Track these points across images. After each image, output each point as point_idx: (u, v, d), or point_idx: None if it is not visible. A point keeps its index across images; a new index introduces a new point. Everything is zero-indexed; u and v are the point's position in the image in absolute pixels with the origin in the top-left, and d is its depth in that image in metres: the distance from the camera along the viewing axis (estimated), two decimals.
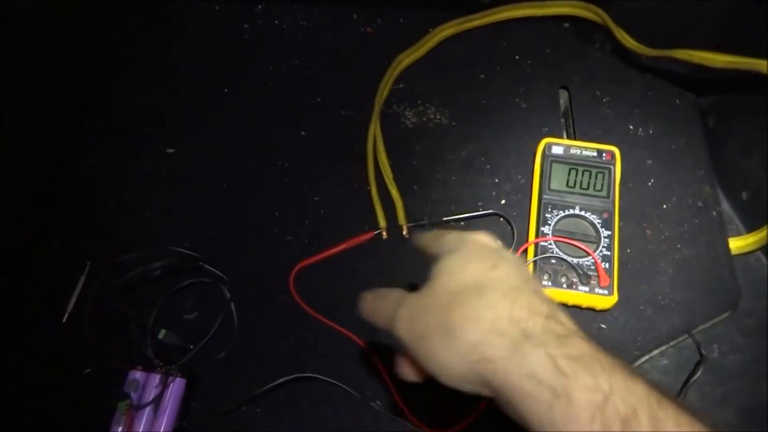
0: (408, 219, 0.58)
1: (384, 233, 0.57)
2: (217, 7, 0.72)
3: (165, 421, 0.48)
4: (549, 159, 0.58)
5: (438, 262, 0.36)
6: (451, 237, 0.38)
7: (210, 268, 0.56)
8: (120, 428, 0.48)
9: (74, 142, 0.63)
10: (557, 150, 0.58)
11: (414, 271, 0.56)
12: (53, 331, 0.54)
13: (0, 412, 0.52)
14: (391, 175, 0.59)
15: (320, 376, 0.51)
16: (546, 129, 0.62)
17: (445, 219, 0.58)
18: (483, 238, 0.38)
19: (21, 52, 0.57)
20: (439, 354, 0.32)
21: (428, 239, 0.40)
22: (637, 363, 0.52)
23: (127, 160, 0.63)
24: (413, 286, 0.36)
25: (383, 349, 0.52)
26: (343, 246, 0.57)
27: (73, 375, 0.53)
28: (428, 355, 0.33)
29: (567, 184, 0.56)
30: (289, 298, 0.55)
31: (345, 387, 0.51)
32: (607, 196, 0.56)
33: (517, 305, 0.31)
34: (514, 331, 0.30)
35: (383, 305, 0.37)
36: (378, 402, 0.51)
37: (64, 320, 0.54)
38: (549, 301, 0.33)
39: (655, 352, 0.53)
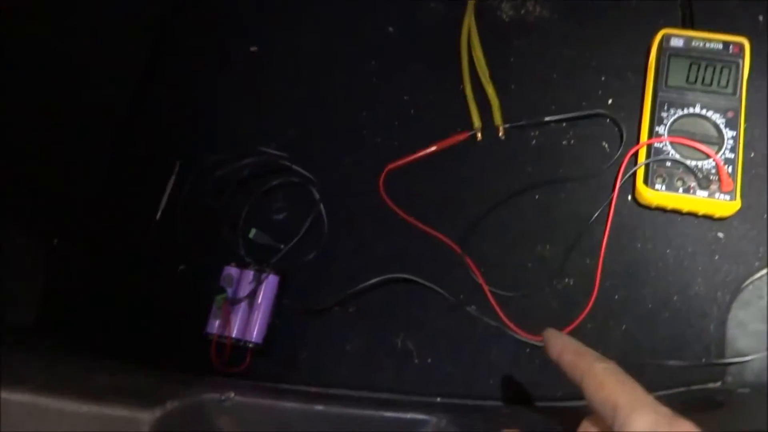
0: (504, 120, 0.54)
1: (479, 134, 0.54)
2: None
3: (260, 316, 0.49)
4: (667, 52, 0.52)
5: None
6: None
7: (298, 168, 0.54)
8: (217, 322, 0.48)
9: (164, 40, 0.62)
10: (676, 42, 0.52)
11: (509, 176, 0.53)
12: (147, 229, 0.55)
13: (99, 311, 0.54)
14: (487, 73, 0.55)
15: (415, 278, 0.49)
16: (662, 21, 0.56)
17: (546, 119, 0.53)
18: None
19: None
20: None
21: (569, 366, 0.31)
22: (758, 275, 0.48)
23: (215, 58, 0.61)
24: None
25: (479, 254, 0.50)
26: (434, 147, 0.54)
27: (168, 272, 0.54)
28: None
29: (687, 80, 0.51)
30: (379, 200, 0.53)
31: (440, 290, 0.49)
32: (734, 93, 0.50)
33: None
34: None
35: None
36: (473, 306, 0.49)
37: (157, 217, 0.55)
38: None
39: None
